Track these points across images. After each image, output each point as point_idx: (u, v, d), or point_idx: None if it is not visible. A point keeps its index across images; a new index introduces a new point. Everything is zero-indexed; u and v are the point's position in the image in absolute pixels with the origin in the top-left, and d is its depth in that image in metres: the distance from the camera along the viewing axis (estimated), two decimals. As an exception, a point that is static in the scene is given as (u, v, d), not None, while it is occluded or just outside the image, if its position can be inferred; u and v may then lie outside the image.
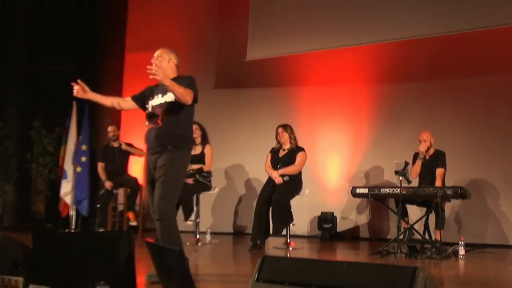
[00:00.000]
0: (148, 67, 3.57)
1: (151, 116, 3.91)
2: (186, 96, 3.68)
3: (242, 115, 7.75)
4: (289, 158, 6.02)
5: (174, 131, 3.78)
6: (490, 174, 6.39)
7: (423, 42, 6.62)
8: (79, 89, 3.82)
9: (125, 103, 4.14)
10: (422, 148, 5.69)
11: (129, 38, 8.60)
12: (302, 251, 5.80)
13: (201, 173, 6.32)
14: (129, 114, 8.43)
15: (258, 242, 5.66)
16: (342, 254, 5.95)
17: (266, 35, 7.36)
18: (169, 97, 3.81)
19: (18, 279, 2.57)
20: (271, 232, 5.82)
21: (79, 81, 3.83)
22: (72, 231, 7.53)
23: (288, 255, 5.43)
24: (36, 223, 7.87)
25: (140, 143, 7.80)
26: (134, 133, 8.06)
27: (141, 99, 4.05)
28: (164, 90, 3.83)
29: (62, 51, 8.23)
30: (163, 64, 3.93)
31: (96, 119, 8.16)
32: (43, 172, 7.90)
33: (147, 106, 3.99)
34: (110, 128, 7.36)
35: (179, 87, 3.67)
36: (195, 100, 3.77)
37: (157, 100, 3.88)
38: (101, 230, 6.68)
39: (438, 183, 5.64)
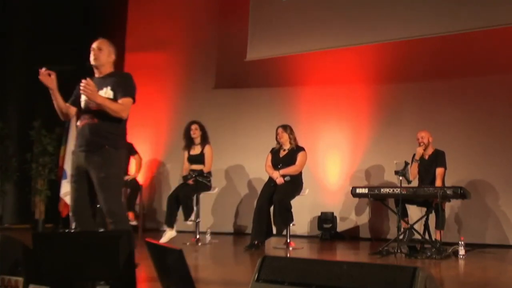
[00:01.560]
0: (81, 84, 3.47)
1: (84, 112, 3.71)
2: (121, 112, 3.58)
3: (242, 115, 7.75)
4: (290, 158, 6.02)
5: (110, 129, 3.63)
6: (490, 174, 6.39)
7: (423, 42, 6.62)
8: (45, 74, 3.68)
9: (70, 109, 3.84)
10: (421, 149, 5.70)
11: (129, 38, 8.59)
12: (302, 251, 5.80)
13: (201, 174, 6.32)
14: (129, 114, 8.43)
15: (256, 242, 5.66)
16: (342, 254, 5.95)
17: (266, 35, 7.36)
18: (106, 93, 3.65)
19: (18, 279, 2.57)
20: (274, 232, 5.82)
21: (44, 69, 3.70)
22: (72, 231, 7.52)
23: (288, 255, 5.43)
24: (36, 223, 7.86)
25: (140, 144, 7.82)
26: (134, 133, 8.05)
27: (78, 100, 3.82)
28: (100, 85, 3.67)
29: (62, 51, 8.22)
30: (103, 57, 3.83)
31: (96, 119, 8.15)
32: (43, 172, 7.89)
33: (80, 101, 3.78)
34: None
35: (112, 104, 3.57)
36: (133, 101, 3.72)
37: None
38: (101, 230, 6.67)
39: (438, 183, 5.64)
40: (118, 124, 3.68)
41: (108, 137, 3.61)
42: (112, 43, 3.94)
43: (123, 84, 3.70)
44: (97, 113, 3.62)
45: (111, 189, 3.57)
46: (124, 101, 3.62)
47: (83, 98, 3.72)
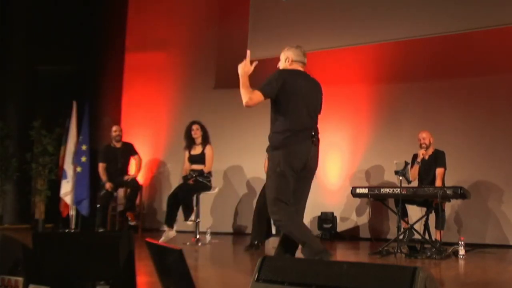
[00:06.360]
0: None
1: None
2: (243, 98, 3.72)
3: (242, 115, 7.73)
4: (289, 158, 6.01)
5: (270, 132, 3.94)
6: (490, 174, 6.39)
7: (423, 42, 6.62)
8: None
9: None
10: (423, 153, 5.69)
11: (129, 38, 8.59)
12: (302, 251, 5.79)
13: (201, 174, 6.32)
14: (130, 114, 8.44)
15: (256, 242, 5.66)
16: (342, 254, 5.95)
17: (266, 35, 7.35)
18: None
19: (18, 279, 2.57)
20: (273, 232, 5.82)
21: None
22: (72, 231, 7.53)
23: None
24: (36, 223, 7.86)
25: (140, 144, 7.82)
26: (134, 133, 8.06)
27: None
28: None
29: (62, 51, 8.22)
30: (280, 66, 4.04)
31: (96, 119, 8.15)
32: (43, 172, 7.89)
33: None
34: (114, 128, 7.36)
35: (243, 89, 3.72)
36: (265, 96, 3.77)
37: None
38: (101, 230, 6.68)
39: (438, 183, 5.65)
40: (273, 127, 3.95)
41: (269, 140, 3.93)
42: (292, 46, 4.10)
43: (264, 82, 3.82)
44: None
45: (267, 190, 3.78)
46: (254, 91, 3.74)
47: None
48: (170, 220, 6.10)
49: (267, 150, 3.91)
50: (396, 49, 6.88)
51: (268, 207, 3.74)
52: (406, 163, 5.27)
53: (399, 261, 4.85)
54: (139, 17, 8.57)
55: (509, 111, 6.39)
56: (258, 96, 3.72)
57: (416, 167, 5.73)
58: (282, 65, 3.99)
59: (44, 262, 2.57)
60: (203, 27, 8.20)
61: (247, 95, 3.70)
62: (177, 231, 6.15)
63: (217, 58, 8.12)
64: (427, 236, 5.43)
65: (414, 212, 5.96)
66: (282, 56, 4.03)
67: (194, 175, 6.29)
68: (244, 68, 3.76)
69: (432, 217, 5.52)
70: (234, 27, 7.82)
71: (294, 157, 3.79)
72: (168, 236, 5.98)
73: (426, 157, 5.79)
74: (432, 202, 5.39)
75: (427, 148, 5.77)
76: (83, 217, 7.73)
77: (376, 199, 5.65)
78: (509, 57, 6.44)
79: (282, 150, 3.80)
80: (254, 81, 8.10)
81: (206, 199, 7.00)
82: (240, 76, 3.73)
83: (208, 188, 6.40)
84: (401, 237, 5.23)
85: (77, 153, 7.78)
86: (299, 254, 5.57)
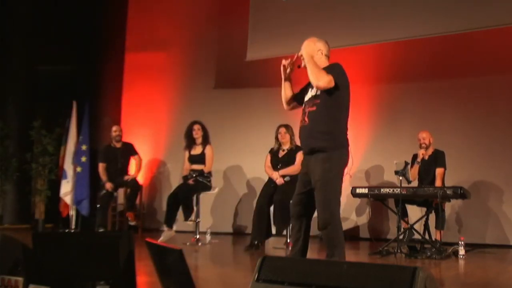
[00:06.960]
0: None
1: (302, 114, 3.70)
2: (317, 80, 3.48)
3: (242, 115, 7.75)
4: (289, 158, 6.02)
5: (322, 129, 3.54)
6: (490, 174, 6.39)
7: (423, 42, 6.62)
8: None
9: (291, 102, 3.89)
10: (423, 153, 5.69)
11: (129, 38, 8.59)
12: (302, 251, 5.79)
13: (201, 174, 6.32)
14: (130, 114, 8.44)
15: (256, 242, 5.66)
16: (342, 254, 5.94)
17: (266, 35, 7.35)
18: (312, 90, 3.60)
19: (18, 279, 2.56)
20: (273, 232, 5.82)
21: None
22: (72, 231, 7.53)
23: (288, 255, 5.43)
24: (36, 223, 7.86)
25: (140, 144, 7.82)
26: (134, 133, 8.06)
27: (299, 96, 3.85)
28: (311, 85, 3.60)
29: (62, 51, 8.22)
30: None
31: (96, 119, 8.15)
32: (43, 172, 7.89)
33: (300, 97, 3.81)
34: (114, 128, 7.35)
35: (316, 68, 3.51)
36: (336, 83, 3.53)
37: (309, 94, 3.68)
38: (101, 230, 6.68)
39: (438, 183, 5.65)
40: (330, 124, 3.57)
41: (319, 138, 3.55)
42: (321, 39, 3.89)
43: (329, 70, 3.63)
44: (310, 114, 3.60)
45: (321, 194, 3.49)
46: (328, 74, 3.55)
47: (304, 100, 3.72)
48: (170, 220, 6.10)
49: (313, 150, 3.59)
50: (396, 49, 6.88)
51: (324, 210, 3.48)
52: (406, 163, 5.27)
53: (399, 261, 4.85)
54: (139, 17, 8.57)
55: (509, 111, 6.39)
56: (331, 81, 3.54)
57: (416, 167, 5.73)
58: (309, 55, 3.71)
59: (44, 262, 2.57)
60: (203, 27, 8.20)
61: (325, 75, 3.53)
62: (177, 231, 6.15)
63: (217, 58, 8.13)
64: (427, 236, 5.43)
65: (414, 212, 5.96)
66: (313, 46, 3.77)
67: (194, 175, 6.29)
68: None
69: (432, 217, 5.52)
70: (234, 27, 7.82)
71: (349, 156, 3.67)
72: (167, 236, 5.99)
73: (426, 157, 5.79)
74: (432, 202, 5.39)
75: (427, 148, 5.77)
76: (83, 217, 7.73)
77: (376, 199, 5.65)
78: (509, 57, 6.45)
79: (344, 149, 3.62)
80: (255, 80, 8.05)
81: (206, 199, 7.00)
82: (307, 60, 3.58)
83: (208, 188, 6.40)
84: (401, 237, 5.24)
85: (77, 153, 7.78)
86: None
